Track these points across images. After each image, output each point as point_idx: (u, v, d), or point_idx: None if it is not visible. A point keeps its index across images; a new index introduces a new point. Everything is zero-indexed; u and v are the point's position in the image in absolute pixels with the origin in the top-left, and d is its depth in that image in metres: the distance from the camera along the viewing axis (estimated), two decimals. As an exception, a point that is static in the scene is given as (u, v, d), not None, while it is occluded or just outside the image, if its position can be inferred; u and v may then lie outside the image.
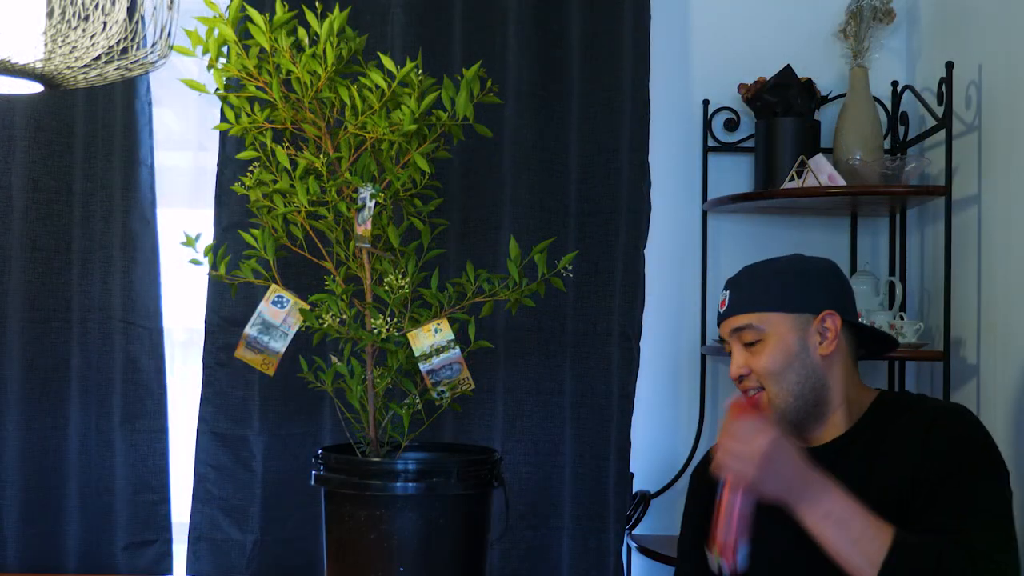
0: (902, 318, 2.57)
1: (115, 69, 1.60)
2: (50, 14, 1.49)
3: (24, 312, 2.62)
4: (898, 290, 2.66)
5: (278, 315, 1.99)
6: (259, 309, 2.00)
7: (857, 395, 1.76)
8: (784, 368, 1.70)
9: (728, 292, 1.79)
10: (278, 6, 1.82)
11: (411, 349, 1.94)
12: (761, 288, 1.75)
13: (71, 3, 1.49)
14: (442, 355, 1.95)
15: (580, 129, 2.67)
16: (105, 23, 1.52)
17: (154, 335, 2.66)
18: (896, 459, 1.65)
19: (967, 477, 1.60)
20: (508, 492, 1.99)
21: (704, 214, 2.80)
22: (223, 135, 2.63)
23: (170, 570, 2.66)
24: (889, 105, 2.77)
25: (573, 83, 2.67)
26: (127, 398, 2.64)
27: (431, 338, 1.94)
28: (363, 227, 1.88)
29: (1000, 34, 2.37)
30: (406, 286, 1.94)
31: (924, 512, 1.59)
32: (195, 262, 2.04)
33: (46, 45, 1.51)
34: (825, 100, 2.77)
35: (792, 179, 2.56)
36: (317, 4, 1.95)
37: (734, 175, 2.83)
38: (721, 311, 1.79)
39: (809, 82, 2.70)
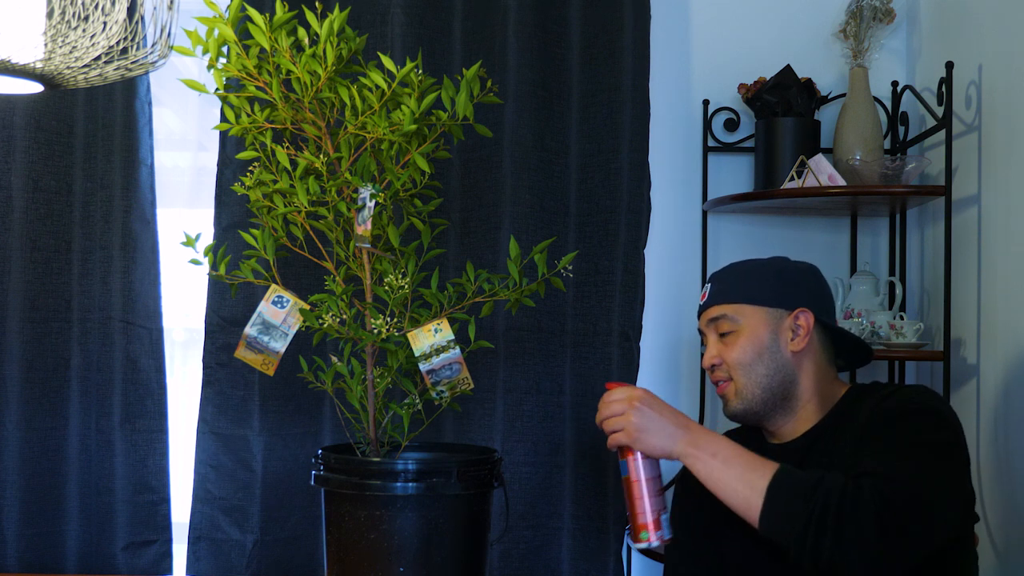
0: (902, 318, 2.57)
1: (115, 69, 1.60)
2: (50, 14, 1.49)
3: (24, 312, 2.62)
4: (898, 290, 2.66)
5: (278, 315, 1.99)
6: (259, 309, 2.00)
7: (830, 390, 1.81)
8: (754, 360, 1.76)
9: (709, 285, 1.86)
10: (278, 6, 1.82)
11: (411, 349, 1.93)
12: (739, 282, 1.82)
13: (71, 3, 1.49)
14: (442, 355, 1.95)
15: (580, 129, 2.67)
16: (105, 23, 1.52)
17: (154, 335, 2.66)
18: (854, 432, 1.71)
19: (894, 427, 1.64)
20: (508, 492, 1.99)
21: (704, 214, 2.80)
22: (223, 135, 2.63)
23: (170, 570, 2.66)
24: (889, 105, 2.77)
25: (573, 83, 2.67)
26: (127, 398, 2.64)
27: (431, 338, 1.94)
28: (363, 227, 1.88)
29: (1000, 34, 2.37)
30: (406, 286, 1.94)
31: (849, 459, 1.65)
32: (195, 262, 2.04)
33: (46, 45, 1.51)
34: (825, 100, 2.77)
35: (792, 179, 2.56)
36: (317, 4, 1.95)
37: (734, 175, 2.83)
38: (701, 303, 1.86)
39: (809, 82, 2.70)
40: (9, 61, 1.50)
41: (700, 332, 1.88)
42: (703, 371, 2.77)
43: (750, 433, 1.88)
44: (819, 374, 1.80)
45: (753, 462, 1.63)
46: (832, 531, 1.52)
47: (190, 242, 2.05)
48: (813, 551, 1.53)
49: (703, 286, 1.89)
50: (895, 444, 1.61)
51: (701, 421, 2.74)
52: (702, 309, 1.86)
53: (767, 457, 1.66)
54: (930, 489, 1.55)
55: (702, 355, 1.87)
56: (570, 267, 2.01)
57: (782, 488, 1.58)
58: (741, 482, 1.61)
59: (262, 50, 1.85)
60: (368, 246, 1.91)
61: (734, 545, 1.79)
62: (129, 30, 1.56)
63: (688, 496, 1.88)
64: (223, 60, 1.89)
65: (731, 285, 1.83)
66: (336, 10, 1.84)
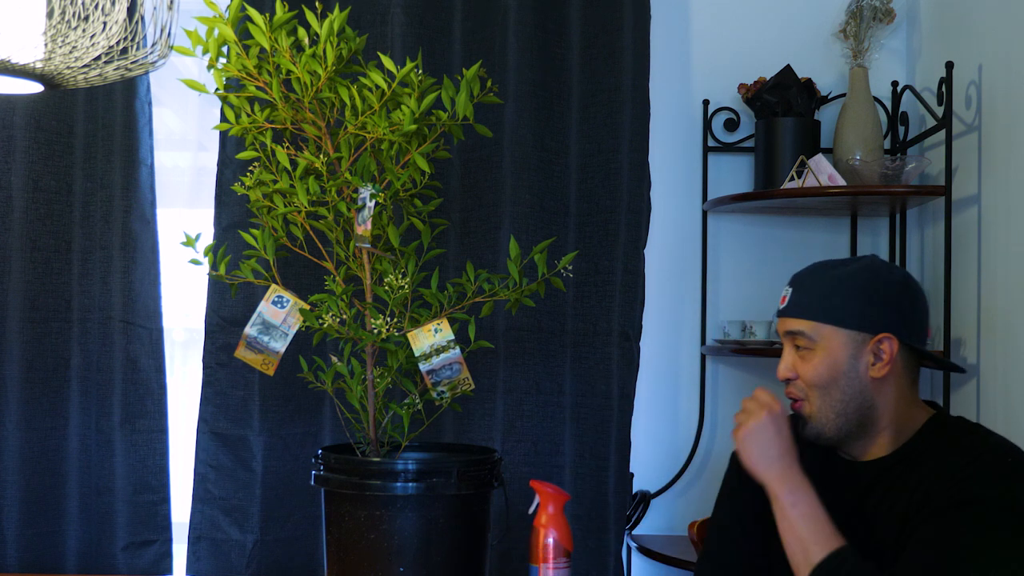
0: (902, 318, 2.57)
1: (115, 69, 1.60)
2: (50, 14, 1.49)
3: (24, 312, 2.62)
4: (898, 290, 2.66)
5: (278, 315, 1.99)
6: (259, 309, 2.00)
7: (909, 416, 1.69)
8: (829, 383, 1.65)
9: (790, 290, 1.72)
10: (278, 6, 1.82)
11: (411, 349, 1.93)
12: (821, 296, 1.67)
13: (71, 3, 1.49)
14: (442, 355, 1.95)
15: (580, 129, 2.67)
16: (105, 23, 1.52)
17: (154, 335, 2.66)
18: (922, 492, 1.59)
19: (955, 522, 1.52)
20: (508, 492, 1.99)
21: (704, 214, 2.80)
22: (223, 135, 2.63)
23: (170, 570, 2.66)
24: (889, 105, 2.77)
25: (573, 83, 2.67)
26: (127, 398, 2.64)
27: (431, 338, 1.94)
28: (363, 227, 1.88)
29: (1000, 34, 2.37)
30: (406, 286, 1.94)
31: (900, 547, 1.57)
32: (195, 262, 2.04)
33: (46, 45, 1.51)
34: (825, 100, 2.77)
35: (792, 179, 2.56)
36: (317, 4, 1.95)
37: (734, 175, 2.83)
38: (780, 307, 1.73)
39: (809, 82, 2.70)
40: (9, 61, 1.50)
41: (777, 334, 1.77)
42: (703, 371, 2.77)
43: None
44: (900, 400, 1.67)
45: (820, 532, 1.59)
46: None
47: (190, 242, 2.05)
48: None
49: (785, 286, 1.75)
50: (947, 549, 1.51)
51: (701, 421, 2.74)
52: (780, 315, 1.73)
53: (837, 474, 1.66)
54: None
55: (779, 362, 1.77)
56: (570, 267, 2.01)
57: (833, 573, 1.56)
58: (801, 544, 1.59)
59: (262, 50, 1.85)
60: (368, 246, 1.91)
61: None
62: (129, 30, 1.56)
63: (739, 481, 1.78)
64: (223, 60, 1.89)
65: (811, 298, 1.68)
66: (336, 10, 1.84)
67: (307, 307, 1.97)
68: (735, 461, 1.81)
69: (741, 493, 1.78)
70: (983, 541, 1.51)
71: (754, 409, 1.68)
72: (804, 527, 1.60)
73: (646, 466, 2.75)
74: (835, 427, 1.66)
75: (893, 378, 1.65)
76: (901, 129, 2.75)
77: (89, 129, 2.67)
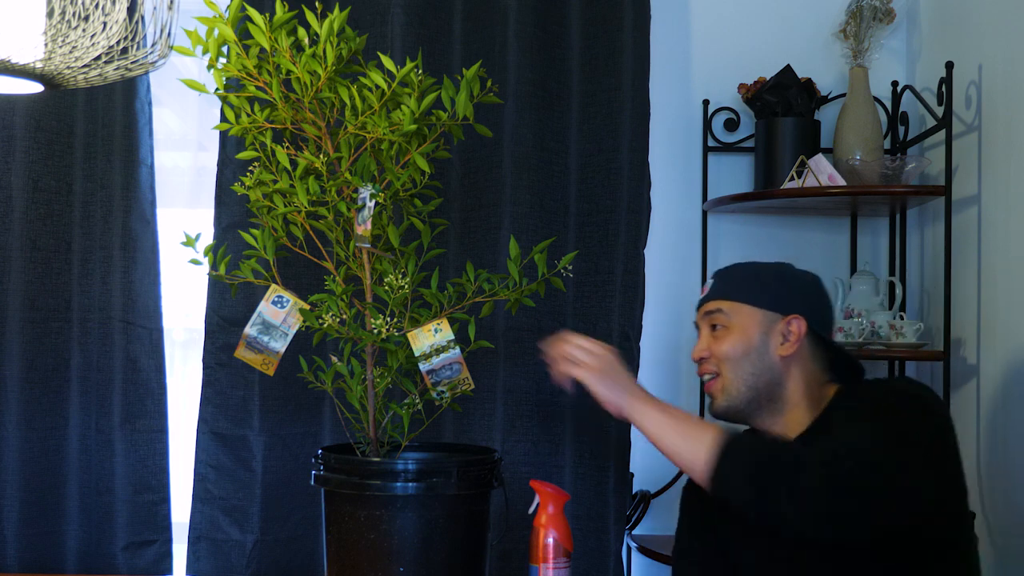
0: (902, 318, 2.57)
1: (115, 69, 1.60)
2: (50, 14, 1.49)
3: (24, 312, 2.62)
4: (898, 290, 2.66)
5: (278, 315, 1.99)
6: (259, 309, 2.00)
7: (821, 393, 1.81)
8: (741, 357, 1.79)
9: (712, 280, 1.89)
10: (278, 6, 1.82)
11: (411, 349, 1.93)
12: (741, 281, 1.85)
13: (71, 3, 1.49)
14: (442, 355, 1.95)
15: (580, 129, 2.66)
16: (105, 23, 1.52)
17: (154, 335, 2.66)
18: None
19: (867, 402, 1.69)
20: (508, 492, 1.99)
21: (704, 214, 2.80)
22: (223, 135, 2.62)
23: (170, 570, 2.66)
24: (889, 105, 2.77)
25: (573, 83, 2.67)
26: (127, 398, 2.64)
27: (431, 338, 1.94)
28: (363, 227, 1.88)
29: (1000, 34, 2.37)
30: (406, 286, 1.94)
31: None
32: (195, 262, 2.04)
33: (46, 45, 1.51)
34: (825, 100, 2.77)
35: (792, 179, 2.56)
36: (317, 4, 1.94)
37: (734, 175, 2.83)
38: (701, 296, 1.90)
39: (809, 82, 2.70)
40: (9, 61, 1.50)
41: (696, 326, 1.92)
42: (703, 371, 2.77)
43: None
44: (808, 380, 1.80)
45: (702, 422, 1.71)
46: (784, 484, 1.55)
47: (190, 242, 2.05)
48: (762, 504, 1.57)
49: (704, 283, 1.92)
50: (859, 415, 1.66)
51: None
52: (700, 303, 1.90)
53: None
54: (888, 454, 1.57)
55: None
56: (570, 267, 2.01)
57: (732, 443, 1.63)
58: (690, 439, 1.66)
59: (262, 50, 1.85)
60: (368, 246, 1.91)
61: (748, 553, 1.80)
62: (129, 30, 1.56)
63: (698, 504, 1.89)
64: (223, 60, 1.89)
65: (732, 283, 1.85)
66: (336, 10, 1.84)
67: (307, 307, 1.97)
68: (684, 494, 1.96)
69: (697, 518, 1.90)
70: (857, 414, 1.67)
71: (595, 350, 1.80)
72: (684, 426, 1.69)
73: (646, 466, 2.75)
74: (745, 399, 1.80)
75: (800, 358, 1.79)
76: (901, 129, 2.75)
77: (89, 129, 2.67)
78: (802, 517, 1.55)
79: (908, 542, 1.64)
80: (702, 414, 2.74)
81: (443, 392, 1.96)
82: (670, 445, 1.69)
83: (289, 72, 1.85)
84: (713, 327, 1.85)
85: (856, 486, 1.54)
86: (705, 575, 1.88)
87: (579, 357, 1.79)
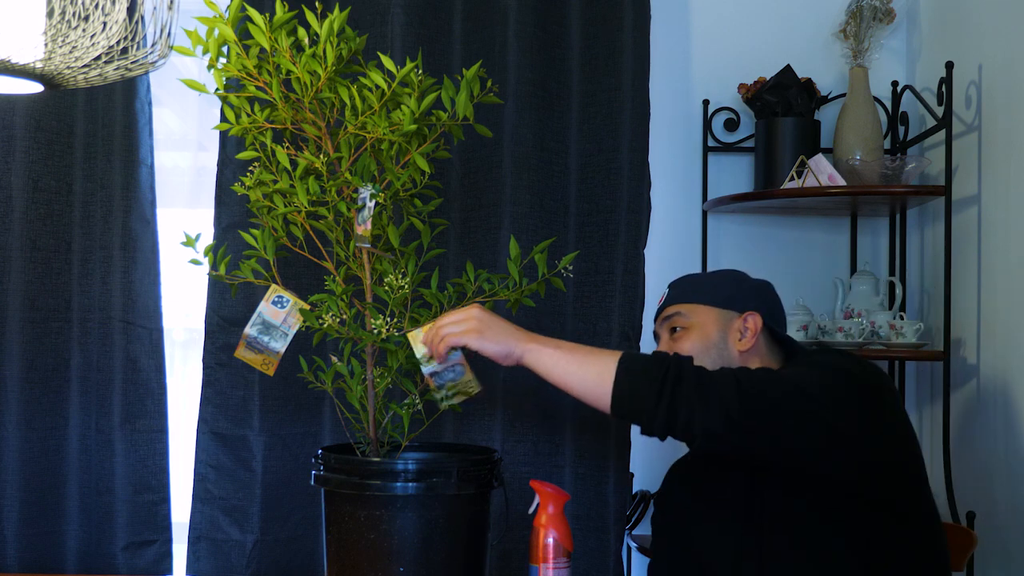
0: (902, 318, 2.57)
1: (115, 69, 1.60)
2: (50, 14, 1.49)
3: (24, 312, 2.62)
4: (898, 290, 2.66)
5: (278, 315, 1.99)
6: (259, 309, 2.00)
7: None
8: (701, 354, 1.83)
9: (668, 290, 1.96)
10: (278, 6, 1.82)
11: (411, 349, 1.93)
12: (695, 285, 1.94)
13: (71, 3, 1.49)
14: (443, 356, 1.94)
15: (580, 129, 2.66)
16: (105, 23, 1.52)
17: (154, 335, 2.66)
18: None
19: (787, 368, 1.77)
20: (508, 492, 1.99)
21: (704, 214, 2.80)
22: (223, 135, 2.62)
23: (170, 570, 2.66)
24: (889, 105, 2.77)
25: (573, 83, 2.66)
26: (127, 398, 2.64)
27: (431, 338, 1.94)
28: (363, 227, 1.88)
29: (1000, 34, 2.37)
30: (406, 286, 1.94)
31: None
32: (195, 262, 2.04)
33: (46, 45, 1.51)
34: (825, 100, 2.77)
35: (792, 179, 2.56)
36: (317, 4, 1.94)
37: (734, 175, 2.83)
38: (659, 306, 1.96)
39: (809, 82, 2.70)
40: (9, 61, 1.50)
41: (655, 335, 1.97)
42: (703, 371, 2.77)
43: None
44: None
45: (597, 350, 1.73)
46: (691, 386, 1.58)
47: (190, 242, 2.05)
48: (669, 411, 1.59)
49: (663, 292, 1.99)
50: (801, 366, 1.75)
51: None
52: (658, 312, 1.95)
53: None
54: (823, 389, 1.62)
55: None
56: (570, 267, 2.01)
57: (634, 361, 1.65)
58: (588, 366, 1.69)
59: (262, 50, 1.85)
60: (368, 246, 1.91)
61: (705, 540, 1.87)
62: (129, 30, 1.56)
63: (668, 507, 1.98)
64: (223, 60, 1.89)
65: (688, 288, 1.93)
66: (336, 10, 1.84)
67: (307, 307, 1.97)
68: (658, 497, 2.04)
69: (668, 520, 1.98)
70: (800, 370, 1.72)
71: (459, 315, 1.78)
72: (581, 355, 1.71)
73: (646, 466, 2.75)
74: None
75: (758, 352, 1.87)
76: (901, 129, 2.76)
77: (89, 129, 2.67)
78: (708, 418, 1.56)
79: (867, 509, 1.67)
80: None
81: (449, 395, 1.95)
82: (572, 377, 1.70)
83: (289, 72, 1.85)
84: (673, 331, 1.89)
85: (771, 397, 1.58)
86: (674, 552, 1.96)
87: (451, 330, 1.79)
